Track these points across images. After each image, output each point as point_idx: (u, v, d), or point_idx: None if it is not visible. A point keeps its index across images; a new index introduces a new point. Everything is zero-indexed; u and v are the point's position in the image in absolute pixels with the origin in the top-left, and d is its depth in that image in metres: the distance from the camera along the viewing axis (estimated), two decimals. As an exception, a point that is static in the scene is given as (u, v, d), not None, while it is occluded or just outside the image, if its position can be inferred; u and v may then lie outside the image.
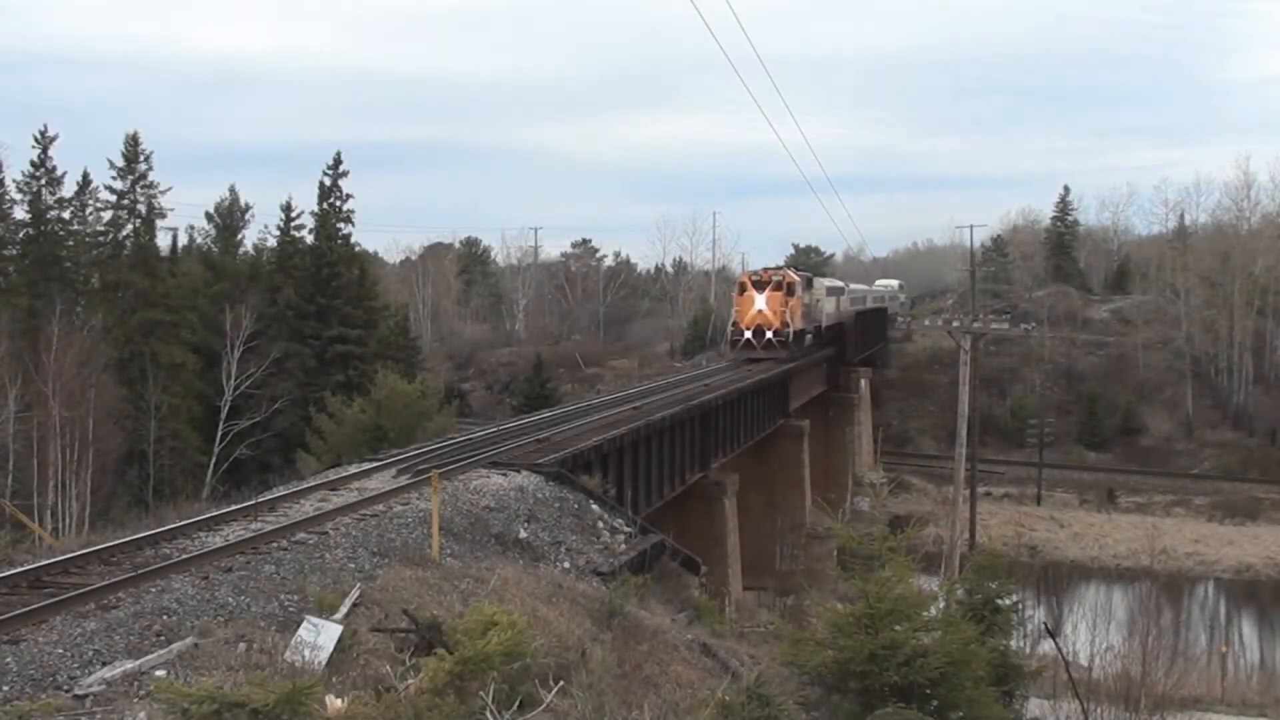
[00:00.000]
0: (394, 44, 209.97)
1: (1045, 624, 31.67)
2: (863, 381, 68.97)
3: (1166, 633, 31.70)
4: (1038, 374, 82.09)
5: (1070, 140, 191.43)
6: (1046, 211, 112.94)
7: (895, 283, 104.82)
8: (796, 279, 50.83)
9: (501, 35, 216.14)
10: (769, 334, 47.65)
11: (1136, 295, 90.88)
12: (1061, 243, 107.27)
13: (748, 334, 47.85)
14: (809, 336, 54.11)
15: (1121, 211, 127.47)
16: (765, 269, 51.97)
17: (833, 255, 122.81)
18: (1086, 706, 19.85)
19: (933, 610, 14.87)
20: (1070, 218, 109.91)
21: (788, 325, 48.14)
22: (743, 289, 49.79)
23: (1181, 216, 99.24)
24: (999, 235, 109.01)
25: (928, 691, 12.13)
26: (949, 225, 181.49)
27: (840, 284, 70.96)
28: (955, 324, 54.38)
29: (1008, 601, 17.37)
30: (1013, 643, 18.64)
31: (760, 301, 48.06)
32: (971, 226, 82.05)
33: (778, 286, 48.84)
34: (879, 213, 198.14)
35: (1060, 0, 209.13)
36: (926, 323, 74.53)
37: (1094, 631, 29.93)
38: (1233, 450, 73.79)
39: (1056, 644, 24.31)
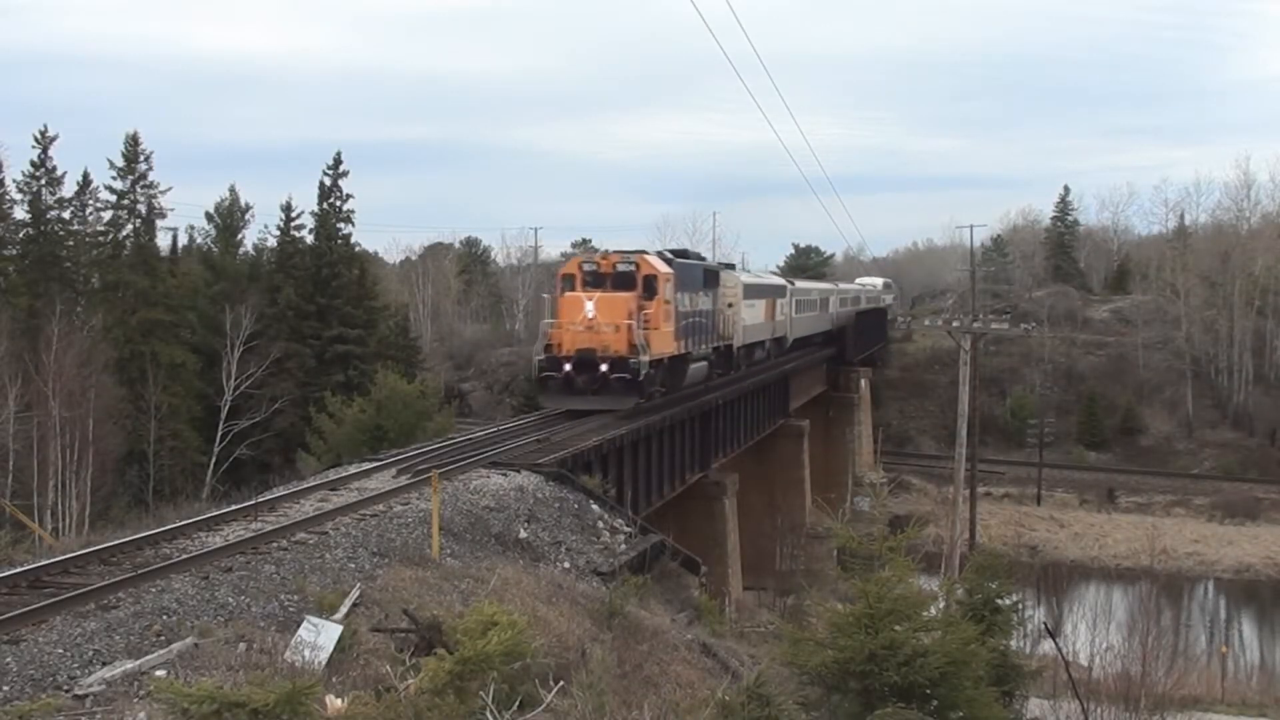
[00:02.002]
0: (394, 44, 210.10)
1: (1045, 624, 31.70)
2: (863, 381, 69.01)
3: (1166, 633, 31.75)
4: (1038, 374, 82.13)
5: (1070, 140, 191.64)
6: (1046, 211, 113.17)
7: (880, 280, 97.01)
8: (662, 270, 30.05)
9: (501, 36, 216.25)
10: (604, 365, 27.81)
11: (1136, 295, 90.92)
12: (1061, 243, 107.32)
13: (567, 366, 28.03)
14: (700, 365, 34.21)
15: (1121, 211, 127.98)
16: (607, 253, 30.82)
17: (833, 255, 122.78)
18: (1086, 706, 19.85)
19: (933, 610, 14.87)
20: (1070, 218, 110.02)
21: (640, 351, 27.98)
22: (567, 284, 29.57)
23: (1181, 216, 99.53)
24: (999, 235, 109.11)
25: (928, 691, 12.12)
26: (949, 225, 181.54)
27: (779, 281, 51.39)
28: (955, 324, 54.42)
29: (1008, 601, 17.35)
30: (1013, 643, 18.64)
31: (591, 307, 28.26)
32: (971, 226, 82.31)
33: (625, 282, 28.99)
34: (879, 213, 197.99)
35: (1061, 0, 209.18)
36: (926, 323, 74.51)
37: (1094, 631, 29.94)
38: (1233, 450, 73.86)
39: (1056, 644, 24.34)
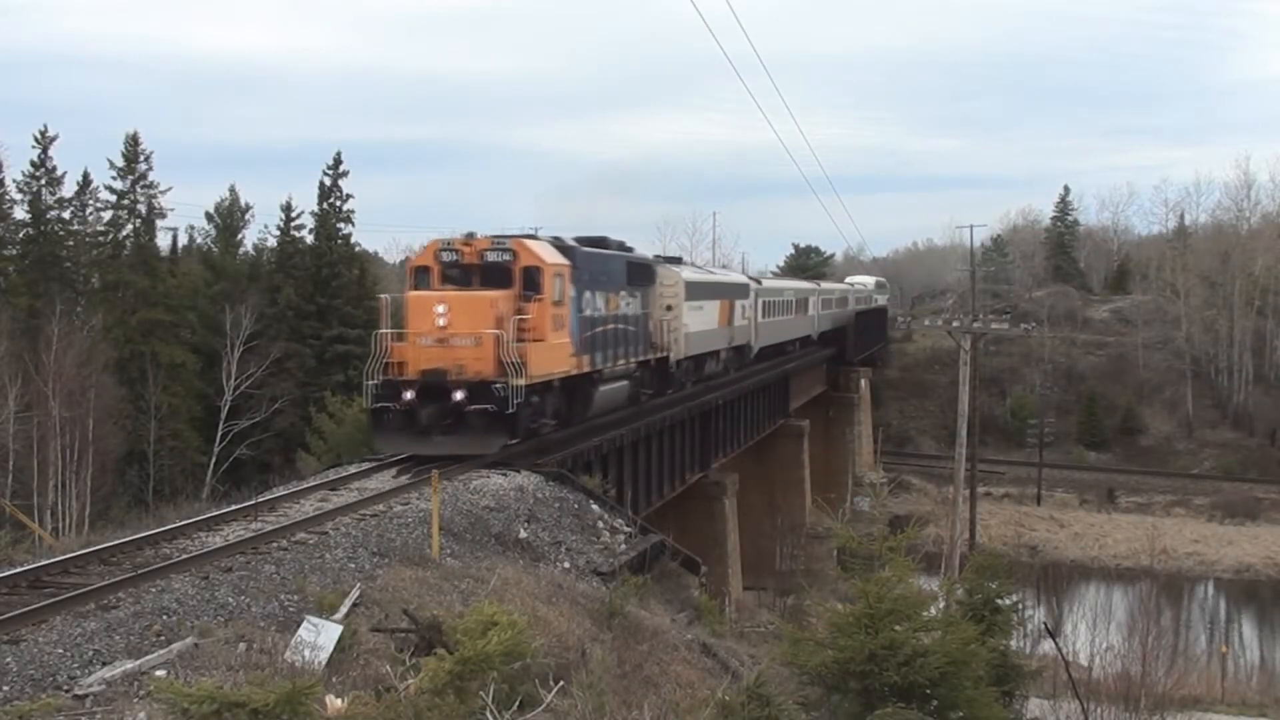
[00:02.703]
0: (395, 44, 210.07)
1: (1045, 624, 31.73)
2: (863, 381, 69.05)
3: (1166, 633, 31.82)
4: (1038, 374, 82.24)
5: (1070, 140, 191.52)
6: (1046, 211, 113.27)
7: (872, 279, 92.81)
8: (550, 260, 22.82)
9: (501, 36, 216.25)
10: (459, 392, 20.59)
11: (1136, 295, 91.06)
12: (1061, 243, 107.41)
13: (409, 393, 20.72)
14: (618, 386, 27.27)
15: (1121, 211, 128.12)
16: (473, 237, 23.13)
17: (833, 255, 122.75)
18: (1086, 706, 19.89)
19: (933, 610, 14.89)
20: (1070, 218, 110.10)
21: (513, 371, 20.65)
22: (420, 279, 22.70)
23: (1181, 216, 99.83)
24: (999, 235, 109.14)
25: (928, 691, 12.13)
26: (949, 225, 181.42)
27: (739, 279, 44.40)
28: (955, 324, 54.47)
29: (1008, 601, 17.39)
30: (1013, 643, 18.68)
31: (443, 311, 21.17)
32: (971, 226, 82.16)
33: (496, 276, 22.13)
34: (879, 213, 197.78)
35: (1061, 0, 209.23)
36: (926, 323, 74.61)
37: (1094, 631, 30.03)
38: (1233, 450, 73.98)
39: (1056, 644, 24.38)
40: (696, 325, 34.26)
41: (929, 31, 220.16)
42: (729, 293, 39.45)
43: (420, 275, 22.60)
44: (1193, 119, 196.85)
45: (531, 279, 22.13)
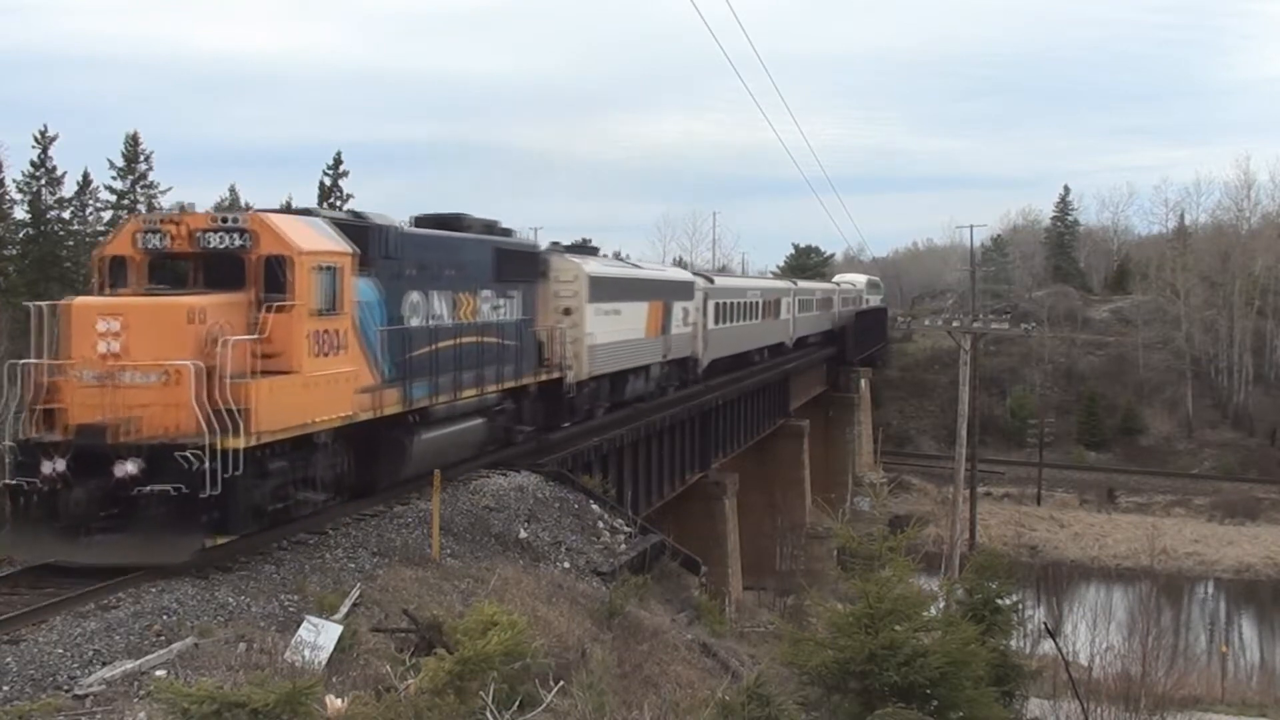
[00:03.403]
0: (394, 44, 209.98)
1: (1045, 624, 31.75)
2: (863, 381, 69.05)
3: (1166, 633, 31.87)
4: (1038, 374, 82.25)
5: (1070, 140, 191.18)
6: (1046, 211, 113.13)
7: (863, 278, 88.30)
8: (308, 245, 14.78)
9: (501, 36, 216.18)
10: (129, 465, 12.70)
11: (1136, 295, 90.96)
12: (1061, 243, 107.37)
13: (54, 464, 12.84)
14: (467, 428, 19.79)
15: (1121, 211, 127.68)
16: (182, 211, 15.42)
17: (833, 255, 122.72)
18: (1086, 706, 19.91)
19: (933, 610, 14.91)
20: (1070, 218, 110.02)
21: (226, 425, 12.86)
22: (113, 275, 14.70)
23: (1181, 216, 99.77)
24: (999, 235, 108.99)
25: (928, 691, 12.16)
26: (949, 225, 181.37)
27: (679, 276, 36.71)
28: (955, 324, 54.51)
29: (1008, 601, 17.42)
30: (1013, 643, 18.69)
31: (112, 329, 13.22)
32: (971, 226, 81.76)
33: (222, 271, 14.55)
34: (879, 213, 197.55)
35: (1062, 1, 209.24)
36: (926, 323, 74.63)
37: (1094, 631, 30.05)
38: (1233, 450, 73.99)
39: (1056, 644, 24.40)
40: (608, 334, 26.70)
41: (929, 31, 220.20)
42: (662, 292, 31.78)
43: (115, 271, 14.80)
44: (1193, 119, 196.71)
45: (275, 275, 14.47)
